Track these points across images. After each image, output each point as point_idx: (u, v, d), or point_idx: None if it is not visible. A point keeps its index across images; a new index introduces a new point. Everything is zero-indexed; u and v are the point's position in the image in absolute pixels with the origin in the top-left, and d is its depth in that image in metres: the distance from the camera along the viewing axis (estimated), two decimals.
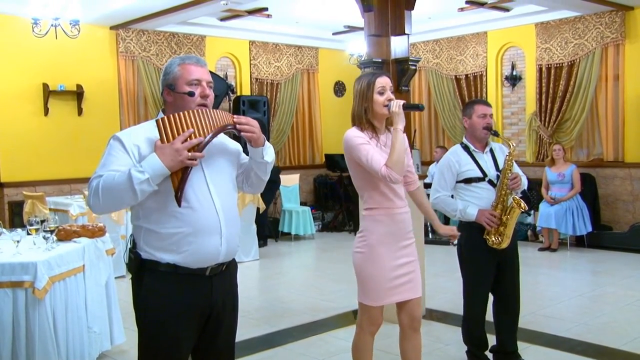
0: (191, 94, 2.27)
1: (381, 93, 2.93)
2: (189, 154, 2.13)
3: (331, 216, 10.21)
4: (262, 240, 8.55)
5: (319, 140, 10.66)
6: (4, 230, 3.59)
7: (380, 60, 4.78)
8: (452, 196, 3.70)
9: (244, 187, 2.52)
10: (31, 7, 6.49)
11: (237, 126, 2.28)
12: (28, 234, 3.70)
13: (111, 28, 8.40)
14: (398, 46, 4.83)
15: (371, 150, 2.87)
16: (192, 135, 2.16)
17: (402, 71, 4.71)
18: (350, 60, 9.84)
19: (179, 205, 2.16)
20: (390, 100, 2.93)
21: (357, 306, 3.13)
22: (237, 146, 2.44)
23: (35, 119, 7.85)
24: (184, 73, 2.29)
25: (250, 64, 9.83)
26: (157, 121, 2.19)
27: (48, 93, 7.84)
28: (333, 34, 10.15)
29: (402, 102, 2.91)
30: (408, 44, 4.89)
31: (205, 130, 2.19)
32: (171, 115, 2.18)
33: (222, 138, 2.40)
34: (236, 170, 2.44)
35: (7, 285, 3.20)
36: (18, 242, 3.42)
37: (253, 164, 2.42)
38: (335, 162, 10.21)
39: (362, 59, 9.21)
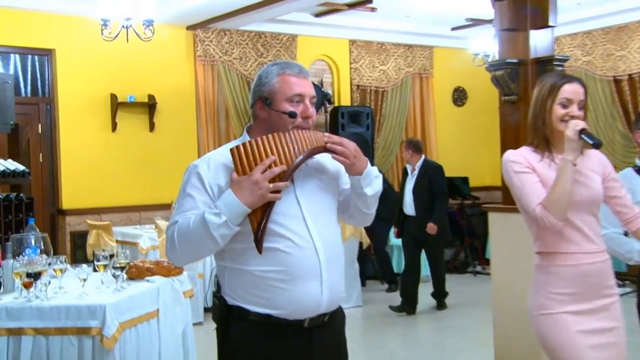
0: (292, 115, 2.29)
1: (564, 105, 2.73)
2: (271, 185, 2.15)
3: (450, 254, 10.02)
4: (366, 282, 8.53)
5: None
6: (68, 266, 3.76)
7: (516, 60, 4.67)
8: (626, 233, 3.44)
9: (344, 217, 2.53)
10: (100, 7, 6.84)
11: (328, 146, 2.28)
12: (95, 270, 3.82)
13: (188, 28, 8.74)
14: (539, 42, 4.70)
15: (528, 182, 2.70)
16: (274, 163, 2.19)
17: (544, 73, 4.58)
18: (474, 61, 9.70)
19: (260, 251, 2.19)
20: (572, 117, 2.71)
21: None
22: (338, 167, 2.43)
23: (101, 136, 8.25)
24: (284, 86, 2.30)
25: (350, 68, 9.94)
26: (231, 150, 2.23)
27: (116, 105, 8.22)
28: (452, 29, 10.06)
29: (582, 125, 2.67)
30: (552, 39, 4.75)
31: (291, 156, 2.22)
32: (247, 143, 2.22)
33: (323, 155, 2.38)
34: (337, 197, 2.45)
35: (72, 332, 3.32)
36: (84, 280, 3.56)
37: (352, 192, 2.41)
38: (455, 187, 10.08)
39: (490, 59, 9.16)
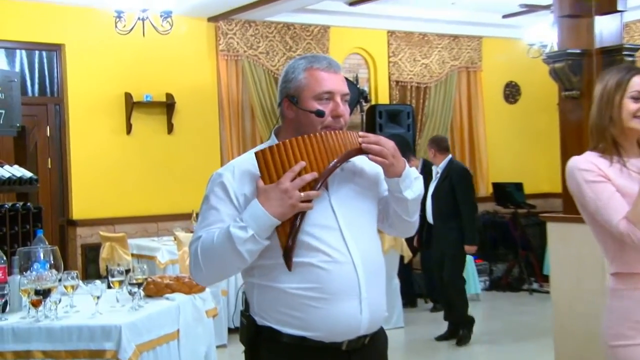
0: (320, 114, 2.30)
1: (636, 99, 2.67)
2: (302, 194, 2.16)
3: (503, 269, 9.96)
4: (408, 300, 8.47)
5: (484, 163, 10.55)
6: (80, 282, 3.79)
7: (578, 51, 4.63)
8: None
9: (384, 226, 2.53)
10: None
11: (363, 146, 2.28)
12: (109, 287, 3.85)
13: (209, 20, 8.80)
14: (606, 29, 4.66)
15: (606, 193, 2.61)
16: (304, 169, 2.20)
17: (612, 65, 4.52)
18: (528, 52, 9.62)
19: (289, 268, 2.20)
20: None
21: None
22: (376, 170, 2.43)
23: (115, 139, 8.33)
24: (312, 82, 2.32)
25: (388, 62, 9.94)
26: (256, 154, 2.24)
27: (131, 105, 8.29)
28: (504, 16, 9.98)
29: None
30: (621, 25, 4.70)
31: (323, 160, 2.23)
32: (274, 147, 2.22)
33: (359, 159, 2.39)
34: (377, 205, 2.45)
35: (84, 355, 3.35)
36: (98, 298, 3.60)
37: (391, 197, 2.41)
38: (507, 194, 10.00)
39: (548, 50, 9.07)
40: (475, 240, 6.88)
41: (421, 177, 2.46)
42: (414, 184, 2.38)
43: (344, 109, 2.34)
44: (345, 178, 2.36)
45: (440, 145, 7.14)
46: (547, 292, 7.33)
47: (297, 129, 2.31)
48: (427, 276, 8.53)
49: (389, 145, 2.30)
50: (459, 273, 7.09)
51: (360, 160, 2.40)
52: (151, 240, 7.62)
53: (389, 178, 2.34)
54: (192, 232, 6.96)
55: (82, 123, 8.20)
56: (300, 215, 2.20)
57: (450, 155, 7.18)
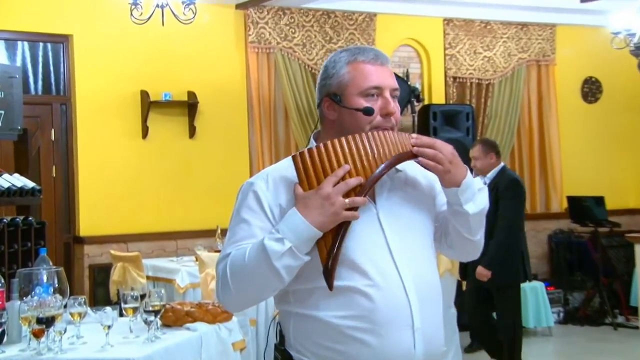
0: (368, 111, 2.32)
1: None
2: (346, 201, 2.17)
3: (580, 299, 9.86)
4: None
5: (557, 173, 10.48)
6: (88, 309, 3.80)
7: None
8: None
9: (442, 247, 2.54)
10: None
11: (415, 149, 2.29)
12: (121, 314, 3.86)
13: (237, 7, 8.82)
14: None
15: None
16: (348, 174, 2.21)
17: None
18: (612, 42, 9.48)
19: (330, 287, 2.20)
20: None
21: None
22: (432, 180, 2.46)
23: (129, 144, 8.37)
24: (357, 77, 2.35)
25: (444, 55, 9.91)
26: (293, 157, 2.26)
27: (148, 105, 8.32)
28: (582, 1, 9.89)
29: None
30: None
31: (370, 164, 2.24)
32: (314, 149, 2.24)
33: (413, 167, 2.42)
34: (433, 221, 2.46)
35: None
36: (109, 327, 3.60)
37: (449, 211, 2.42)
38: (585, 209, 9.91)
39: (636, 40, 8.96)
40: (491, 265, 6.50)
41: (486, 188, 2.46)
42: (477, 196, 2.37)
43: (395, 105, 2.36)
44: (395, 187, 2.38)
45: (488, 150, 6.92)
46: (636, 328, 7.22)
47: (341, 132, 2.31)
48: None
49: (446, 149, 2.30)
50: (512, 311, 6.83)
51: (414, 169, 2.43)
52: (169, 260, 7.62)
53: (446, 188, 2.34)
54: (216, 251, 7.00)
55: (91, 125, 8.24)
56: (345, 226, 2.20)
57: (502, 163, 7.02)
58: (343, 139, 2.25)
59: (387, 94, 2.34)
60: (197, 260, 6.93)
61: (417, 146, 2.28)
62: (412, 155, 2.29)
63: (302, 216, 2.17)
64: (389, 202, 2.34)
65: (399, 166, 2.37)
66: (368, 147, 2.24)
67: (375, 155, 2.24)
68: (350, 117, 2.33)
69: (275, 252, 2.15)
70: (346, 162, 2.22)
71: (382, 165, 2.24)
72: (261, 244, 2.18)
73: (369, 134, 2.27)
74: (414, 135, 2.31)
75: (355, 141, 2.25)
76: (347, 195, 2.18)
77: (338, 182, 2.18)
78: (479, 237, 2.47)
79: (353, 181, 2.19)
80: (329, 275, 2.19)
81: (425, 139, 2.30)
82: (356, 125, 2.31)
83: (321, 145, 2.24)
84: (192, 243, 7.99)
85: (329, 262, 2.19)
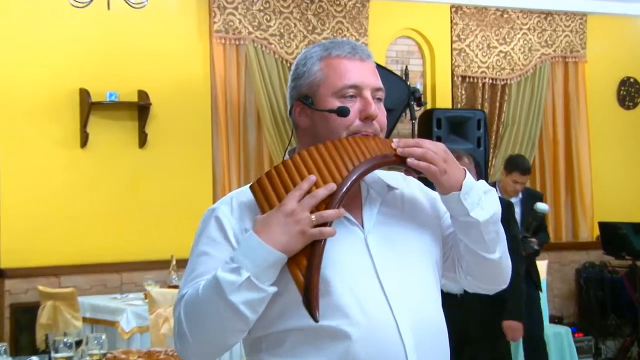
0: (342, 112, 2.33)
1: None
2: (312, 216, 2.16)
3: (615, 347, 9.94)
4: None
5: (587, 195, 10.62)
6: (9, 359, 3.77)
7: None
8: None
9: (460, 277, 2.53)
10: None
11: (399, 151, 2.30)
12: None
13: None
14: None
15: None
16: (316, 185, 2.22)
17: None
18: None
19: (315, 319, 2.17)
20: None
21: None
22: (434, 196, 2.49)
23: (64, 154, 8.34)
24: (330, 74, 2.38)
25: (451, 50, 10.02)
26: (251, 187, 2.29)
27: (89, 107, 8.29)
28: None
29: None
30: None
31: (342, 173, 2.24)
32: (272, 170, 2.27)
33: (411, 183, 2.48)
34: (439, 246, 2.48)
35: None
36: None
37: (457, 227, 2.43)
38: (620, 238, 9.98)
39: None
40: (521, 315, 6.26)
41: (494, 190, 2.45)
42: (483, 199, 2.36)
43: (377, 108, 2.38)
44: (389, 206, 2.41)
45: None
46: None
47: (316, 140, 2.35)
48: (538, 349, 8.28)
49: (437, 147, 2.32)
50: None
51: (412, 185, 2.49)
52: (112, 298, 7.64)
53: (445, 194, 2.33)
54: (170, 287, 6.97)
55: (15, 132, 8.21)
56: (322, 245, 2.18)
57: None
58: (312, 148, 2.28)
59: (367, 94, 2.36)
60: (146, 297, 6.92)
61: (400, 148, 2.29)
62: (398, 159, 2.30)
63: (259, 238, 2.16)
64: (380, 224, 2.36)
65: (392, 184, 2.42)
66: (341, 156, 2.26)
67: (350, 165, 2.25)
68: (324, 121, 2.36)
69: (230, 285, 2.14)
70: (314, 170, 2.23)
71: (356, 170, 2.24)
72: (214, 277, 2.17)
73: (344, 140, 2.30)
74: (396, 140, 2.33)
75: (327, 149, 2.27)
76: (316, 209, 2.18)
77: (304, 196, 2.18)
78: (499, 254, 2.43)
79: (322, 192, 2.19)
80: (309, 304, 2.15)
81: (409, 140, 2.32)
82: (330, 131, 2.35)
83: (280, 164, 2.27)
84: (140, 277, 7.97)
85: (308, 288, 2.15)
